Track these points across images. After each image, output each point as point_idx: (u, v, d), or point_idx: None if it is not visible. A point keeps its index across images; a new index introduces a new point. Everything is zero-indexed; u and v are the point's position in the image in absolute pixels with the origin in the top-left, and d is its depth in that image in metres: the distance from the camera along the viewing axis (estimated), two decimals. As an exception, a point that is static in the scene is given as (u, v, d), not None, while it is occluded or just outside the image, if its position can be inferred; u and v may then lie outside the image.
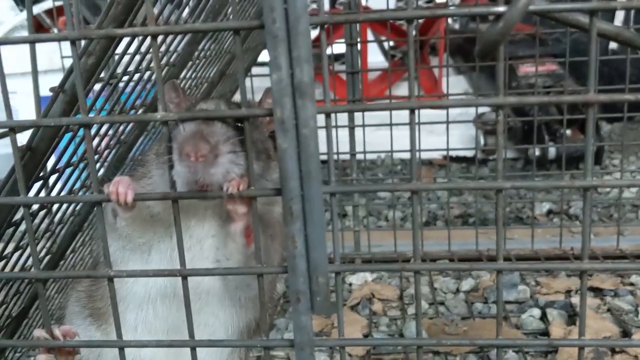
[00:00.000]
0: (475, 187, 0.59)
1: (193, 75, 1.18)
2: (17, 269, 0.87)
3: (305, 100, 0.52)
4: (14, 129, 0.57)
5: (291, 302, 0.57)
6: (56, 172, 0.76)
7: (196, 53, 1.03)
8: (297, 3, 0.50)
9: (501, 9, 0.50)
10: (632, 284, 1.45)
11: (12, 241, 0.85)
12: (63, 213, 0.94)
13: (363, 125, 1.68)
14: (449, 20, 3.20)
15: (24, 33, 2.25)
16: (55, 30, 2.38)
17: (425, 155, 2.33)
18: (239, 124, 0.65)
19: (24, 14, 2.17)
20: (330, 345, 0.70)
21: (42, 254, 0.98)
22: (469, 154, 2.75)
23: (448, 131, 1.71)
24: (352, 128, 1.74)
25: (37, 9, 2.20)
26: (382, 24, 3.12)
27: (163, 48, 0.95)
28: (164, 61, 0.92)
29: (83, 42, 0.63)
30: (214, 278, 0.71)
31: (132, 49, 0.85)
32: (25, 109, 2.21)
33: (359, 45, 1.80)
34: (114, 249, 0.69)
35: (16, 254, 0.83)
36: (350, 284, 1.53)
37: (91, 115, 0.62)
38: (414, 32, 2.49)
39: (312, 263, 0.56)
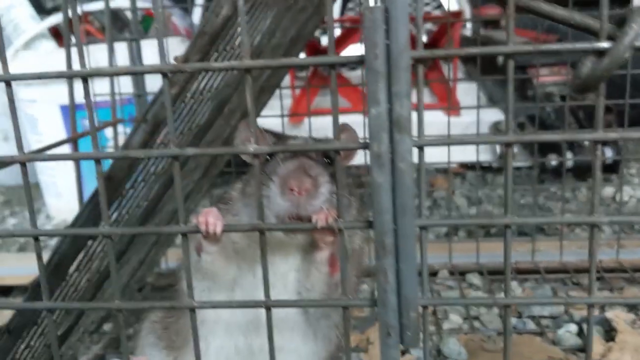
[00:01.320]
0: (569, 222, 0.58)
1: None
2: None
3: (403, 135, 0.52)
4: (99, 160, 0.56)
5: (381, 336, 0.56)
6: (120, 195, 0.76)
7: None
8: (399, 39, 0.50)
9: (605, 44, 0.50)
10: (664, 298, 1.45)
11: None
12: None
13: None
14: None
15: (45, 42, 2.23)
16: (74, 40, 2.36)
17: (442, 164, 2.33)
18: (326, 159, 0.65)
19: (45, 23, 2.16)
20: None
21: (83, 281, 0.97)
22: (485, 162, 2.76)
23: (478, 145, 1.70)
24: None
25: (57, 18, 2.19)
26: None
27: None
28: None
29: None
30: (296, 313, 0.71)
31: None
32: (44, 118, 2.20)
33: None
34: (198, 290, 0.69)
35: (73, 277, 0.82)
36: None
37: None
38: (425, 39, 2.47)
39: (403, 298, 0.55)
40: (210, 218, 0.59)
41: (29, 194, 0.57)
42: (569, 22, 0.53)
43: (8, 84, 0.57)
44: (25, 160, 0.57)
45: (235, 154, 0.61)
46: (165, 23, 2.19)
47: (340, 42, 2.85)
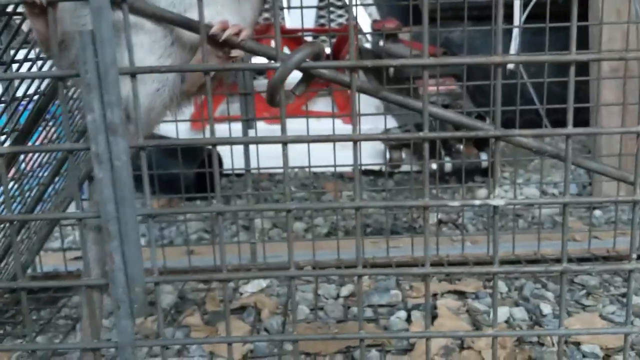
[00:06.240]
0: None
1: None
2: None
3: (116, 137, 0.62)
4: None
5: (113, 310, 0.66)
6: None
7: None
8: (106, 58, 0.60)
9: (277, 65, 0.61)
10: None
11: None
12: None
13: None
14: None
15: None
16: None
17: (338, 169, 2.47)
18: None
19: None
20: (151, 345, 0.78)
21: None
22: (376, 167, 2.92)
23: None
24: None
25: None
26: (296, 41, 3.25)
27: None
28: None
29: None
30: None
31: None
32: None
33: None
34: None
35: None
36: (241, 294, 1.62)
37: None
38: (329, 51, 2.48)
39: (130, 276, 0.65)
40: None
41: None
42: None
43: None
44: None
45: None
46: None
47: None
